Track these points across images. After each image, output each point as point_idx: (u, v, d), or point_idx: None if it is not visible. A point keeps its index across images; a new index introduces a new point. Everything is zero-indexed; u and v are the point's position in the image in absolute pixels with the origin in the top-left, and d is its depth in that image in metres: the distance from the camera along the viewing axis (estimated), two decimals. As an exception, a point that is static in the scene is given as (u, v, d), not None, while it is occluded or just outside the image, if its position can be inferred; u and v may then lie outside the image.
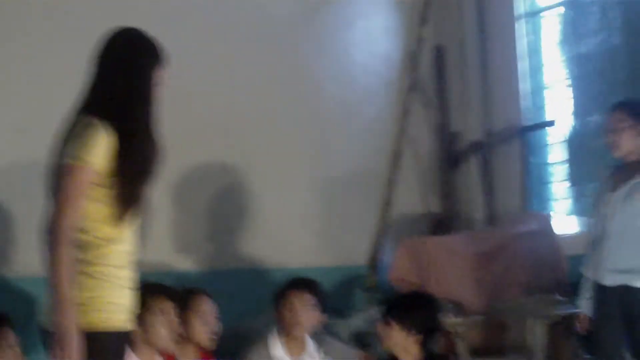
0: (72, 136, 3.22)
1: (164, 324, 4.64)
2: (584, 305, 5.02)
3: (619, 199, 4.87)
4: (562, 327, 6.59)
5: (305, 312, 5.14)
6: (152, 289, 4.67)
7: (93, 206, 3.21)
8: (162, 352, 4.72)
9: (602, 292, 4.86)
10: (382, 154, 8.10)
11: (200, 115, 7.10)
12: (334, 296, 7.62)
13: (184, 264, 7.12)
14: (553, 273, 7.29)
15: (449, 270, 7.17)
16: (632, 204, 4.82)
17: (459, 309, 6.95)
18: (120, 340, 3.30)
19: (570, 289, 7.16)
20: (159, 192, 6.78)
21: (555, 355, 6.61)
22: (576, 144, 7.73)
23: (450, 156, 8.37)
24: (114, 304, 3.28)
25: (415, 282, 7.33)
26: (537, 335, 6.48)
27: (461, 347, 6.60)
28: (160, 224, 6.93)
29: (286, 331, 5.16)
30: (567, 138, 7.81)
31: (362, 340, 6.98)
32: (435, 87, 8.40)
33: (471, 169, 8.31)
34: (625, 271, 4.81)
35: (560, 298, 6.79)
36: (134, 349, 4.49)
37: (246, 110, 7.37)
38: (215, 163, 7.31)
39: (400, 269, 7.39)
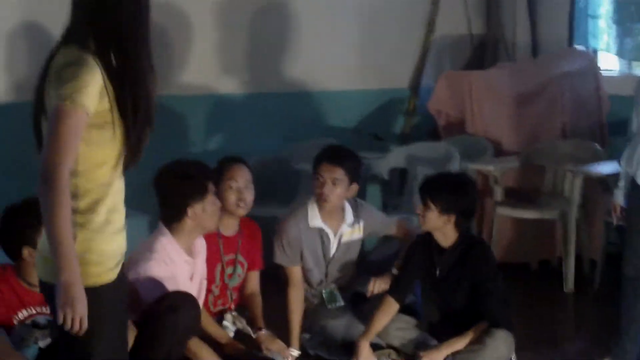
0: (64, 72, 2.94)
1: (212, 208, 4.66)
2: (619, 195, 5.04)
3: None
4: (598, 182, 6.70)
5: (335, 188, 5.09)
6: (196, 172, 4.68)
7: (86, 149, 2.98)
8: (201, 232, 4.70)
9: (636, 190, 4.88)
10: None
11: None
12: (375, 119, 7.76)
13: (228, 86, 7.12)
14: (594, 116, 7.32)
15: (488, 108, 7.21)
16: None
17: (496, 147, 7.04)
18: (114, 291, 3.12)
19: (611, 130, 7.29)
20: (202, 11, 6.85)
21: (589, 208, 6.75)
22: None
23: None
24: (107, 255, 3.09)
25: (453, 115, 7.40)
26: (572, 186, 6.55)
27: (497, 191, 6.70)
28: (204, 46, 6.96)
29: (323, 201, 5.17)
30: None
31: (402, 177, 7.13)
32: None
33: (517, -5, 8.14)
34: None
35: (598, 147, 6.87)
36: (175, 236, 4.59)
37: None
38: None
39: (440, 101, 7.44)
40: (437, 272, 4.80)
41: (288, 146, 7.10)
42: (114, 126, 2.98)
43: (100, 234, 3.04)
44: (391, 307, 4.85)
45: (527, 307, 5.69)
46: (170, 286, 4.38)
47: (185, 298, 4.27)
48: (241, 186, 4.91)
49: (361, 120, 7.70)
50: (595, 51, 7.76)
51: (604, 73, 7.50)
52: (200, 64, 6.95)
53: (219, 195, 4.77)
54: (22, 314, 4.13)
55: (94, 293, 2.96)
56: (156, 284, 4.38)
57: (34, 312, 4.14)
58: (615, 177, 5.30)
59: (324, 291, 5.19)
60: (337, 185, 5.03)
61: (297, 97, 7.40)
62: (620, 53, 7.65)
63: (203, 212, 4.56)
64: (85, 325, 2.92)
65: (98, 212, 3.03)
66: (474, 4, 8.20)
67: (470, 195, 4.91)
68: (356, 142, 6.97)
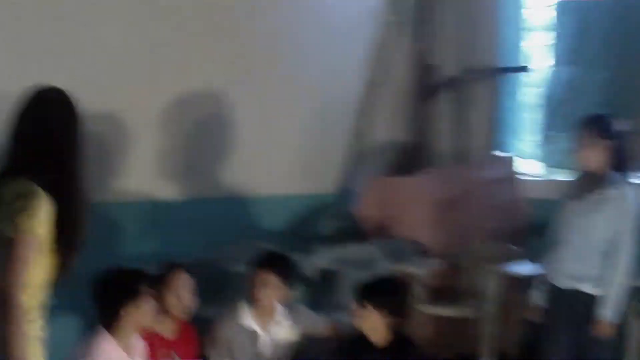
0: (14, 203, 3.20)
1: (146, 307, 4.91)
2: (537, 296, 5.38)
3: (579, 210, 5.17)
4: (515, 282, 7.05)
5: (270, 293, 5.37)
6: (128, 277, 4.94)
7: (32, 273, 3.24)
8: (142, 332, 4.96)
9: (554, 291, 5.23)
10: (358, 83, 8.35)
11: (181, 44, 7.23)
12: (303, 222, 8.06)
13: (164, 192, 7.34)
14: (514, 219, 7.72)
15: (414, 212, 7.55)
16: (590, 217, 5.13)
17: (421, 251, 7.37)
18: None
19: (529, 234, 7.68)
20: (140, 120, 7.13)
21: (506, 306, 7.09)
22: (550, 91, 8.01)
23: (425, 89, 8.62)
24: None
25: (380, 219, 7.74)
26: (489, 286, 6.89)
27: (420, 291, 7.00)
28: (141, 153, 7.18)
29: (255, 303, 5.43)
30: (542, 85, 8.07)
31: (328, 277, 7.41)
32: (415, 19, 8.58)
33: (444, 104, 8.56)
34: (577, 277, 5.15)
35: (516, 248, 7.25)
36: (114, 336, 4.83)
37: (227, 39, 7.52)
38: (197, 93, 7.47)
39: (367, 205, 7.80)
40: None
41: (220, 249, 7.34)
42: (57, 253, 3.31)
43: (34, 343, 3.35)
44: None
45: None
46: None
47: None
48: (183, 291, 5.17)
49: (290, 223, 7.98)
50: (517, 157, 8.19)
51: (526, 178, 7.93)
52: (137, 170, 7.16)
53: (162, 299, 5.04)
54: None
55: None
56: None
57: None
58: (533, 277, 5.64)
59: None
60: (272, 289, 5.31)
61: (230, 202, 7.66)
62: (544, 159, 8.09)
63: (137, 313, 4.81)
64: None
65: (35, 329, 3.35)
66: (402, 113, 8.61)
67: (404, 297, 5.23)
68: (285, 244, 7.21)
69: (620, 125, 5.28)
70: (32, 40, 6.43)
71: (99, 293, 4.96)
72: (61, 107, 3.44)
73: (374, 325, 5.06)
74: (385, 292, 5.14)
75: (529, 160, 8.28)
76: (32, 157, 3.31)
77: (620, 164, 5.22)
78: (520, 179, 7.92)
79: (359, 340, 5.16)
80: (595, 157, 5.14)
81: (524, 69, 8.26)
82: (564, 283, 5.19)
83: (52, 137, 3.34)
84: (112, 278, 4.98)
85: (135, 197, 7.18)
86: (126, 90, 7.03)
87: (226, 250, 7.32)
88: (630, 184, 5.23)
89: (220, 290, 6.98)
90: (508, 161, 8.09)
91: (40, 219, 3.19)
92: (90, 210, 3.39)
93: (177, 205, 7.41)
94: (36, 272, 3.26)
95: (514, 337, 7.00)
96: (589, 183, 5.22)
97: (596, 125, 5.20)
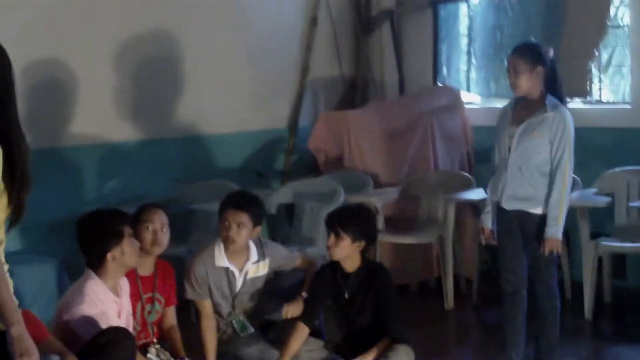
0: None
1: (130, 247, 4.99)
2: (486, 219, 5.63)
3: (518, 134, 5.39)
4: (469, 207, 7.35)
5: (240, 231, 5.53)
6: (111, 218, 5.03)
7: None
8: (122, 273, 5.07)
9: (502, 214, 5.48)
10: (300, 20, 8.55)
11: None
12: (259, 158, 8.25)
13: (121, 134, 7.48)
14: (461, 147, 7.99)
15: (364, 144, 7.79)
16: (529, 140, 5.36)
17: (374, 180, 7.60)
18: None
19: (476, 159, 7.98)
20: (95, 62, 7.21)
21: (461, 231, 7.39)
22: (483, 20, 8.25)
23: (364, 23, 8.81)
24: None
25: (332, 152, 7.95)
26: (446, 212, 7.16)
27: (379, 220, 7.22)
28: (97, 96, 7.29)
29: (227, 242, 5.59)
30: (475, 14, 8.31)
31: (288, 212, 7.62)
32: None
33: (383, 36, 8.77)
34: (521, 198, 5.40)
35: (466, 175, 7.53)
36: (102, 278, 4.99)
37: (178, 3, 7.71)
38: (147, 34, 7.58)
39: (318, 139, 8.00)
40: (346, 295, 5.31)
41: (181, 188, 7.52)
42: (4, 194, 3.34)
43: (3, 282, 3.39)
44: (303, 331, 5.31)
45: (413, 325, 5.99)
46: (103, 323, 4.72)
47: (120, 332, 4.64)
48: (157, 228, 5.30)
49: (246, 160, 8.20)
50: (457, 87, 8.45)
51: (467, 106, 8.19)
52: (94, 114, 7.26)
53: (137, 236, 5.17)
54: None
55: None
56: (90, 322, 4.72)
57: None
58: (482, 202, 5.90)
59: (234, 321, 5.57)
60: (242, 228, 5.45)
61: (187, 142, 7.84)
62: (480, 90, 8.35)
63: (122, 255, 4.95)
64: None
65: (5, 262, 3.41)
66: (345, 47, 8.81)
67: (374, 223, 5.46)
68: (242, 181, 7.45)
69: (548, 52, 5.48)
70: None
71: (84, 236, 5.06)
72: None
73: (348, 252, 5.28)
74: (356, 219, 5.35)
75: (468, 90, 8.51)
76: None
77: (554, 88, 5.45)
78: (463, 108, 8.15)
79: (331, 268, 5.39)
80: (528, 82, 5.36)
81: (459, -2, 8.47)
82: (510, 205, 5.45)
83: None
84: (95, 221, 5.08)
85: (93, 140, 7.28)
86: (76, 33, 7.13)
87: (186, 189, 7.48)
88: (565, 106, 5.45)
89: (184, 228, 7.16)
90: (450, 91, 8.32)
91: None
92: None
93: (133, 146, 7.55)
94: None
95: (473, 261, 7.30)
96: (526, 108, 5.42)
97: (527, 52, 5.41)
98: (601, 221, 7.09)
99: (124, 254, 4.95)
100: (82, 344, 4.61)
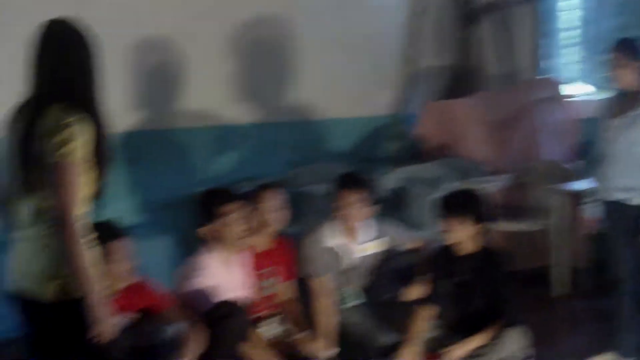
0: (55, 131, 3.47)
1: (232, 224, 5.18)
2: (590, 209, 5.69)
3: (621, 126, 5.46)
4: (574, 198, 7.36)
5: (358, 209, 5.65)
6: (217, 196, 5.26)
7: (79, 193, 3.51)
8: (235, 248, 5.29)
9: (606, 204, 5.55)
10: (409, 9, 8.60)
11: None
12: (365, 144, 8.35)
13: (235, 116, 7.62)
14: (566, 138, 8.00)
15: (470, 133, 7.88)
16: (632, 132, 5.41)
17: (483, 170, 7.65)
18: None
19: (581, 150, 7.97)
20: (209, 44, 7.36)
21: (571, 221, 7.39)
22: (589, 11, 8.26)
23: (470, 13, 8.86)
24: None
25: (437, 140, 8.03)
26: (555, 201, 7.18)
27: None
28: (210, 78, 7.42)
29: (340, 222, 5.71)
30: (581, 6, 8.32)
31: (398, 197, 7.69)
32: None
33: (487, 28, 8.82)
34: (623, 189, 5.46)
35: (573, 165, 7.54)
36: (215, 252, 5.17)
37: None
38: (265, 18, 7.74)
39: (425, 127, 8.11)
40: (459, 278, 5.39)
41: (291, 170, 7.64)
42: (92, 169, 3.56)
43: (90, 251, 3.55)
44: (425, 313, 5.43)
45: (522, 312, 6.20)
46: (216, 296, 4.98)
47: (233, 306, 4.89)
48: (274, 206, 5.45)
49: (354, 145, 8.30)
50: (561, 79, 8.45)
51: (572, 98, 8.20)
52: (210, 96, 7.42)
53: (258, 215, 5.34)
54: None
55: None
56: (205, 294, 4.99)
57: None
58: (587, 193, 5.93)
59: (342, 290, 5.72)
60: (359, 207, 5.58)
61: (298, 125, 7.98)
62: (588, 81, 8.35)
63: (222, 231, 5.16)
64: (110, 336, 3.49)
65: (86, 236, 3.54)
66: (451, 38, 8.87)
67: (488, 207, 5.54)
68: (350, 165, 7.51)
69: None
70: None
71: (197, 213, 5.25)
72: (79, 37, 3.67)
73: (462, 236, 5.36)
74: (473, 202, 5.45)
75: (574, 81, 8.51)
76: (60, 85, 3.58)
77: None
78: (568, 100, 8.16)
79: (446, 252, 5.46)
80: (629, 76, 5.42)
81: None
82: (615, 196, 5.50)
83: (74, 65, 3.61)
84: (203, 198, 5.29)
85: (208, 122, 7.45)
86: (191, 16, 7.29)
87: (297, 171, 7.60)
88: None
89: (294, 209, 7.29)
90: (554, 83, 8.34)
91: (80, 143, 3.47)
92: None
93: (247, 129, 7.70)
94: (82, 192, 3.54)
95: (581, 250, 7.30)
96: (627, 101, 5.49)
97: (629, 47, 5.47)
98: None
99: (223, 231, 5.12)
100: (198, 315, 4.84)
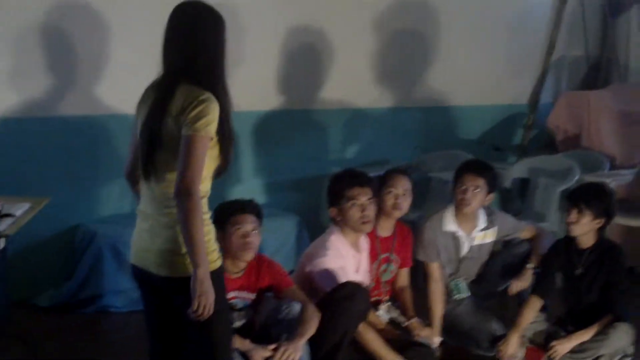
0: (197, 108, 3.56)
1: (357, 208, 5.27)
2: None
3: None
4: None
5: (476, 195, 5.80)
6: (345, 179, 5.37)
7: (204, 168, 3.63)
8: (358, 232, 5.40)
9: None
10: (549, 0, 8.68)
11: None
12: (496, 132, 8.49)
13: (369, 100, 7.88)
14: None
15: (604, 125, 7.89)
16: None
17: (610, 162, 7.69)
18: (222, 275, 3.83)
19: None
20: (352, 29, 7.58)
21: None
22: None
23: (615, 5, 8.84)
24: (216, 245, 3.77)
25: (571, 130, 8.08)
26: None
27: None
28: (350, 63, 7.72)
29: (459, 208, 5.83)
30: None
31: (524, 187, 7.80)
32: None
33: (631, 20, 8.77)
34: None
35: None
36: (343, 234, 5.34)
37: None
38: (408, 3, 7.95)
39: (559, 117, 8.15)
40: (578, 271, 5.52)
41: (420, 155, 7.84)
42: (216, 146, 3.68)
43: (210, 227, 3.73)
44: (536, 303, 5.54)
45: (636, 310, 5.98)
46: (342, 277, 5.10)
47: (358, 288, 5.01)
48: (399, 193, 5.60)
49: (485, 133, 8.45)
50: None
51: None
52: (345, 79, 7.69)
53: (381, 199, 5.53)
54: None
55: (214, 276, 3.62)
56: (330, 275, 5.12)
57: (230, 296, 4.76)
58: None
59: (451, 282, 5.86)
60: (478, 193, 5.72)
61: (430, 111, 8.17)
62: None
63: (339, 215, 5.31)
64: (212, 310, 3.57)
65: (207, 212, 3.71)
66: (591, 27, 8.88)
67: (614, 201, 5.63)
68: (478, 153, 7.63)
69: None
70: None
71: (328, 195, 5.46)
72: (210, 19, 3.76)
73: (588, 229, 5.48)
74: (599, 196, 5.53)
75: None
76: (190, 65, 3.68)
77: None
78: None
79: (567, 244, 5.60)
80: None
81: None
82: None
83: (205, 46, 3.70)
84: (334, 180, 5.45)
85: (340, 104, 7.72)
86: (336, 2, 7.57)
87: (425, 157, 7.78)
88: None
89: (421, 195, 7.48)
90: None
91: (214, 120, 3.60)
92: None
93: (379, 113, 7.93)
94: (208, 167, 3.66)
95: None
96: None
97: None
98: None
99: (350, 214, 5.30)
100: (322, 295, 5.02)
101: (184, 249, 3.60)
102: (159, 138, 3.65)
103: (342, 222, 5.34)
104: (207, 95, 3.61)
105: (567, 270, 5.58)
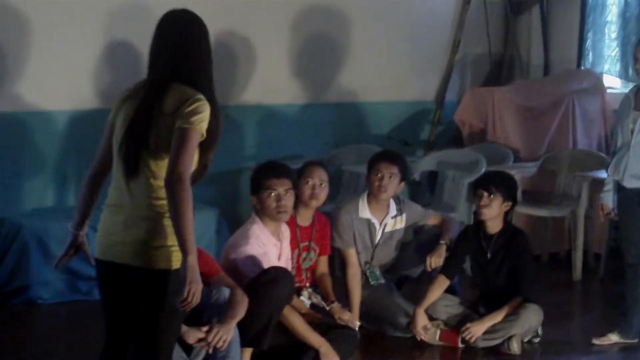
0: (191, 105, 3.63)
1: (271, 199, 5.48)
2: (605, 197, 6.06)
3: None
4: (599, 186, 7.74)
5: (391, 181, 6.12)
6: (265, 170, 5.62)
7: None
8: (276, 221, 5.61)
9: (624, 191, 5.92)
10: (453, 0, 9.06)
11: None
12: (405, 128, 8.81)
13: (283, 98, 8.16)
14: (599, 129, 8.40)
15: (508, 120, 8.28)
16: None
17: (514, 155, 8.07)
18: None
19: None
20: (261, 33, 7.85)
21: (594, 208, 7.76)
22: (631, 8, 8.58)
23: (514, 4, 9.25)
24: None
25: (476, 125, 8.45)
26: (581, 189, 7.58)
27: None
28: (266, 62, 7.99)
29: (374, 195, 6.17)
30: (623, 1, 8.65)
31: (432, 180, 8.14)
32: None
33: (532, 19, 9.19)
34: None
35: (602, 155, 7.92)
36: (264, 223, 5.58)
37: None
38: (322, 7, 8.27)
39: (464, 112, 8.52)
40: (488, 255, 5.89)
41: (332, 150, 8.14)
42: (205, 147, 3.77)
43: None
44: (443, 282, 5.92)
45: (541, 293, 6.39)
46: (265, 263, 5.36)
47: (282, 272, 5.28)
48: (316, 183, 5.87)
49: (395, 128, 8.75)
50: (600, 72, 8.83)
51: (609, 91, 8.57)
52: (261, 78, 7.97)
53: (299, 189, 5.79)
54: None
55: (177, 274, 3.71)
56: (254, 261, 5.38)
57: None
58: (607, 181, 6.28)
59: (368, 271, 6.20)
60: (392, 180, 6.07)
61: (341, 108, 8.46)
62: (623, 75, 8.70)
63: (258, 204, 5.55)
64: (198, 300, 3.62)
65: None
66: (494, 26, 9.26)
67: (516, 186, 6.03)
68: (389, 147, 7.89)
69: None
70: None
71: (250, 185, 5.69)
72: (200, 26, 3.90)
73: (497, 212, 5.86)
74: (506, 181, 5.97)
75: (611, 75, 8.87)
76: (180, 67, 3.77)
77: None
78: (605, 92, 8.54)
79: (475, 230, 5.97)
80: None
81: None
82: (631, 183, 5.85)
83: (198, 50, 3.82)
84: (255, 171, 5.72)
85: (256, 101, 8.00)
86: (254, 7, 7.86)
87: (337, 151, 8.08)
88: None
89: (334, 187, 7.75)
90: (594, 75, 8.70)
91: (206, 119, 3.69)
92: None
93: (293, 109, 8.21)
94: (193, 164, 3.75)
95: (602, 237, 7.72)
96: None
97: None
98: None
99: (269, 203, 5.51)
100: (247, 281, 5.25)
101: (158, 242, 3.68)
102: (145, 135, 3.72)
103: (261, 211, 5.58)
104: (201, 95, 3.69)
105: (477, 254, 5.96)
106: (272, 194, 5.51)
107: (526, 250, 5.93)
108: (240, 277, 5.28)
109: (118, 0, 7.17)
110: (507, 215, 5.97)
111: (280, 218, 5.58)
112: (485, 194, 5.86)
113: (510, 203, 5.90)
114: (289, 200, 5.56)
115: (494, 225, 5.92)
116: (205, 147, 3.77)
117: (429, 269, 6.07)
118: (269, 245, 5.54)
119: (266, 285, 5.15)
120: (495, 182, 5.89)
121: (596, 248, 7.86)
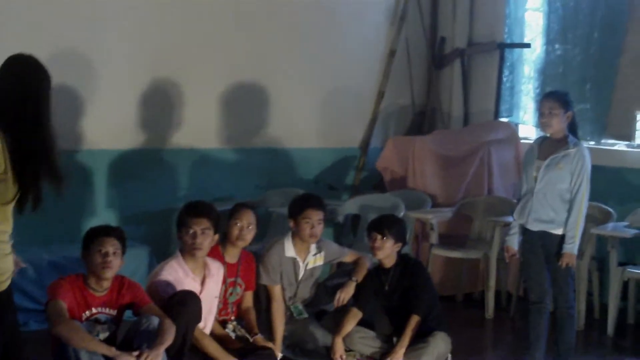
0: None
1: (188, 237, 5.85)
2: (511, 240, 6.52)
3: (544, 167, 6.23)
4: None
5: (320, 226, 6.54)
6: (188, 210, 5.97)
7: None
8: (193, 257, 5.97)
9: (528, 234, 6.39)
10: (380, 52, 9.53)
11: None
12: (331, 173, 9.25)
13: (214, 142, 8.56)
14: (513, 177, 8.87)
15: (427, 167, 8.72)
16: (554, 171, 6.19)
17: (432, 200, 8.52)
18: (7, 297, 4.20)
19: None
20: (193, 81, 8.25)
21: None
22: (544, 65, 9.10)
23: (437, 58, 9.76)
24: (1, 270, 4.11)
25: (397, 172, 8.90)
26: (494, 232, 8.04)
27: (433, 235, 8.18)
28: (193, 109, 8.40)
29: (300, 237, 6.54)
30: (538, 59, 9.18)
31: (355, 223, 8.56)
32: (429, -2, 9.82)
33: (454, 72, 9.70)
34: (545, 221, 6.29)
35: (514, 201, 8.36)
36: (185, 259, 5.94)
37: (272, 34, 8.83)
38: (254, 61, 8.71)
39: (386, 159, 8.97)
40: (386, 287, 6.38)
41: (262, 193, 8.53)
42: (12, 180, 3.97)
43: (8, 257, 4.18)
44: (356, 314, 6.38)
45: (455, 331, 6.70)
46: (178, 287, 5.78)
47: (188, 294, 5.67)
48: (244, 225, 6.27)
49: (321, 173, 9.19)
50: (516, 123, 9.34)
51: (523, 141, 9.07)
52: (192, 123, 8.35)
53: (228, 230, 6.19)
54: (87, 314, 5.40)
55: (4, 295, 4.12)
56: (168, 285, 5.80)
57: (95, 311, 5.41)
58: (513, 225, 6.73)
59: (292, 306, 6.61)
60: (320, 224, 6.49)
61: (270, 153, 8.86)
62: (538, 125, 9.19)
63: (179, 240, 5.97)
64: None
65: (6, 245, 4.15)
66: (418, 78, 9.78)
67: (405, 226, 6.54)
68: (315, 191, 8.25)
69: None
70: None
71: (177, 224, 6.06)
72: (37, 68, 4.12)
73: (389, 252, 6.36)
74: (397, 224, 6.47)
75: (527, 126, 9.39)
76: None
77: (573, 130, 6.36)
78: (519, 142, 9.02)
79: (377, 268, 6.50)
80: (559, 124, 6.23)
81: (525, 45, 9.34)
82: (535, 226, 6.33)
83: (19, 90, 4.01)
84: (181, 210, 6.06)
85: (189, 145, 8.38)
86: (190, 62, 8.30)
87: (266, 194, 8.47)
88: (584, 145, 6.37)
89: (263, 228, 8.13)
90: (510, 126, 9.21)
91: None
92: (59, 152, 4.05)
93: (223, 153, 8.59)
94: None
95: (514, 278, 8.20)
96: (551, 145, 6.30)
97: (562, 98, 6.31)
98: (632, 252, 7.90)
99: (181, 239, 5.94)
100: (161, 303, 5.63)
101: None
102: None
103: (182, 248, 5.98)
104: None
105: (378, 288, 6.42)
106: (190, 232, 5.88)
107: (419, 273, 6.43)
108: (157, 300, 5.66)
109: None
110: (400, 249, 6.46)
111: (195, 254, 5.92)
112: (379, 236, 6.34)
113: (400, 244, 6.38)
114: (204, 239, 5.91)
115: (388, 260, 6.42)
116: (20, 177, 3.96)
117: (336, 304, 6.51)
118: (186, 278, 5.90)
119: (176, 305, 5.55)
120: (388, 226, 6.36)
121: (510, 288, 8.33)
